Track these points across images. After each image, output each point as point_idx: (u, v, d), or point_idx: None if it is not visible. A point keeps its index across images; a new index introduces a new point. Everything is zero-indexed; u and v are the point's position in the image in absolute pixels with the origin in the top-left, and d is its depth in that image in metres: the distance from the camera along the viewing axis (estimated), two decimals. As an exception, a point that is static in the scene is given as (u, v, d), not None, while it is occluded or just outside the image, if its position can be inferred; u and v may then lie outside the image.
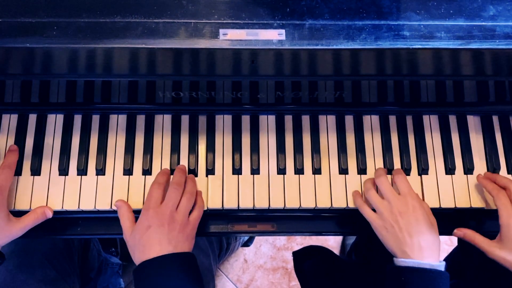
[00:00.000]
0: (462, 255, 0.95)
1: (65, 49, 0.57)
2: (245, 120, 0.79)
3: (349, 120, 0.80)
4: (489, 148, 0.79)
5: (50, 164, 0.75)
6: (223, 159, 0.77)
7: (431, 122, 0.81)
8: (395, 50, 0.59)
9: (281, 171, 0.76)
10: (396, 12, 0.59)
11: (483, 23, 0.59)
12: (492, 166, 0.78)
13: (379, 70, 0.67)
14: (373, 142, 0.79)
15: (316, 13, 0.59)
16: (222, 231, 0.77)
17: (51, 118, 0.78)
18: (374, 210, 0.72)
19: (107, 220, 0.75)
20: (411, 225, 0.67)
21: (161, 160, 0.77)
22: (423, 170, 0.77)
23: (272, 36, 0.57)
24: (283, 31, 0.58)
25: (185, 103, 0.78)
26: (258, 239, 1.50)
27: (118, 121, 0.78)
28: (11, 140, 0.76)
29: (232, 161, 0.77)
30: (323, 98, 0.78)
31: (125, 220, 0.71)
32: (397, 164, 0.78)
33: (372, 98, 0.79)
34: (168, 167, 0.76)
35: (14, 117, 0.78)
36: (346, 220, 0.78)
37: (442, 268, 0.65)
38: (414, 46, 0.58)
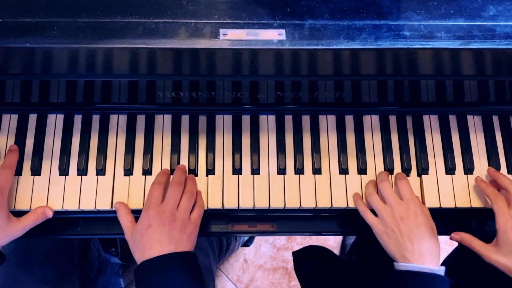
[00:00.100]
0: (462, 255, 0.95)
1: (65, 49, 0.57)
2: (245, 120, 0.79)
3: (349, 120, 0.80)
4: (489, 148, 0.79)
5: (50, 164, 0.75)
6: (223, 159, 0.77)
7: (431, 122, 0.81)
8: (395, 50, 0.59)
9: (281, 171, 0.76)
10: (396, 12, 0.59)
11: (483, 23, 0.59)
12: (492, 166, 0.78)
13: (379, 70, 0.67)
14: (373, 142, 0.79)
15: (316, 13, 0.59)
16: (222, 231, 0.77)
17: (51, 118, 0.78)
18: (374, 213, 0.72)
19: (107, 220, 0.75)
20: (412, 231, 0.67)
21: (161, 160, 0.77)
22: (423, 170, 0.77)
23: (272, 36, 0.57)
24: (283, 31, 0.58)
25: (185, 103, 0.78)
26: (258, 239, 1.50)
27: (118, 121, 0.78)
28: (11, 140, 0.76)
29: (232, 161, 0.77)
30: (323, 98, 0.78)
31: (125, 221, 0.71)
32: (397, 164, 0.78)
33: (372, 98, 0.79)
34: (168, 167, 0.76)
35: (14, 117, 0.78)
36: (346, 220, 0.78)
37: (442, 273, 0.66)
38: (414, 46, 0.58)
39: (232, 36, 0.57)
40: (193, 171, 0.76)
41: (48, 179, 0.75)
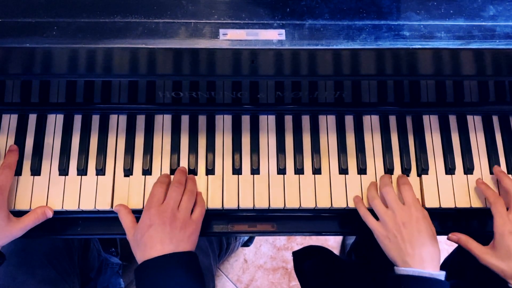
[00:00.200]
0: (462, 256, 0.95)
1: (65, 49, 0.57)
2: (245, 120, 0.79)
3: (349, 120, 0.80)
4: (489, 148, 0.79)
5: (50, 164, 0.75)
6: (223, 159, 0.77)
7: (431, 122, 0.81)
8: (395, 50, 0.59)
9: (281, 171, 0.76)
10: (396, 12, 0.59)
11: (483, 23, 0.59)
12: (493, 166, 0.78)
13: (379, 70, 0.67)
14: (373, 142, 0.79)
15: (316, 13, 0.59)
16: (222, 231, 0.77)
17: (51, 118, 0.78)
18: (375, 216, 0.72)
19: (107, 220, 0.75)
20: (413, 236, 0.68)
21: (161, 160, 0.77)
22: (423, 170, 0.77)
23: (272, 36, 0.57)
24: (283, 31, 0.58)
25: (185, 103, 0.78)
26: (258, 239, 1.50)
27: (118, 121, 0.78)
28: (11, 140, 0.76)
29: (232, 161, 0.77)
30: (323, 98, 0.78)
31: (127, 221, 0.71)
32: (397, 164, 0.78)
33: (372, 98, 0.79)
34: (168, 167, 0.76)
35: (14, 117, 0.78)
36: (346, 220, 0.78)
37: (442, 278, 0.66)
38: (414, 46, 0.58)
39: (232, 36, 0.57)
40: (193, 171, 0.76)
41: (48, 179, 0.75)
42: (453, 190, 0.76)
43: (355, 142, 0.79)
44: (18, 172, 0.75)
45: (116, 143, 0.77)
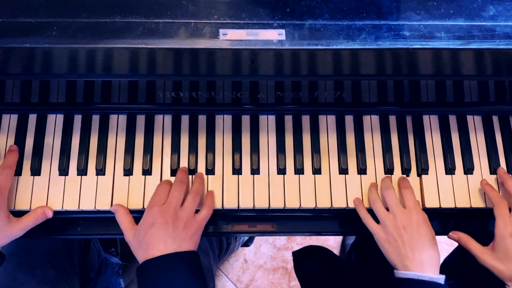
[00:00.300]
0: (462, 256, 0.95)
1: (65, 49, 0.57)
2: (245, 120, 0.79)
3: (349, 120, 0.80)
4: (489, 148, 0.79)
5: (50, 164, 0.75)
6: (223, 159, 0.77)
7: (431, 122, 0.81)
8: (395, 50, 0.59)
9: (281, 171, 0.76)
10: (396, 12, 0.59)
11: (483, 23, 0.59)
12: (493, 166, 0.78)
13: (379, 70, 0.67)
14: (373, 142, 0.79)
15: (316, 13, 0.59)
16: (222, 231, 0.77)
17: (51, 118, 0.78)
18: (375, 218, 0.73)
19: (107, 220, 0.75)
20: (414, 240, 0.68)
21: (161, 160, 0.77)
22: (423, 170, 0.77)
23: (272, 36, 0.57)
24: (283, 31, 0.58)
25: (185, 103, 0.78)
26: (258, 239, 1.50)
27: (118, 121, 0.78)
28: (11, 140, 0.76)
29: (232, 161, 0.77)
30: (323, 98, 0.78)
31: (125, 222, 0.71)
32: (397, 164, 0.78)
33: (372, 98, 0.79)
34: (168, 167, 0.76)
35: (14, 117, 0.78)
36: (346, 220, 0.78)
37: (442, 281, 0.66)
38: (414, 46, 0.58)
39: (232, 36, 0.57)
40: (193, 171, 0.76)
41: (48, 179, 0.75)
42: (453, 190, 0.76)
43: (355, 142, 0.79)
44: (18, 172, 0.75)
45: (116, 143, 0.77)
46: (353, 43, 0.57)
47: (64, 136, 0.77)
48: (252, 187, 0.75)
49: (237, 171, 0.76)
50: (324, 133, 0.79)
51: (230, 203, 0.74)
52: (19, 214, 0.71)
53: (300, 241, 1.52)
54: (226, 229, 0.77)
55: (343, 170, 0.77)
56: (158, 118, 0.79)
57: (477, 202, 0.76)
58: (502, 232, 0.69)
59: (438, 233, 0.76)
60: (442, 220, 0.78)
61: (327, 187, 0.76)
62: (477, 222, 0.79)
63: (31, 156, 0.75)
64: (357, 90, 0.78)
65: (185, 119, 0.79)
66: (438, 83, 0.79)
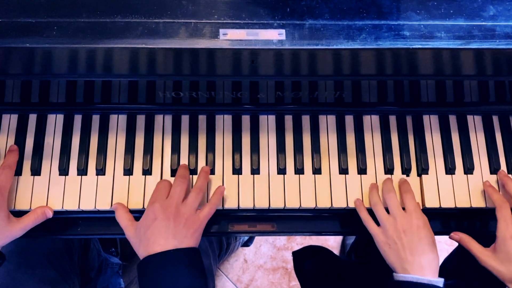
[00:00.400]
0: (462, 256, 0.95)
1: (65, 49, 0.57)
2: (245, 120, 0.79)
3: (349, 120, 0.80)
4: (489, 148, 0.79)
5: (50, 164, 0.75)
6: (223, 159, 0.77)
7: (431, 122, 0.81)
8: (395, 50, 0.59)
9: (281, 171, 0.76)
10: (396, 12, 0.59)
11: (483, 23, 0.59)
12: (493, 166, 0.78)
13: (379, 70, 0.67)
14: (373, 142, 0.79)
15: (316, 13, 0.59)
16: (222, 231, 0.77)
17: (51, 118, 0.78)
18: (375, 219, 0.73)
19: (107, 220, 0.75)
20: (414, 244, 0.68)
21: (161, 160, 0.77)
22: (423, 170, 0.77)
23: (272, 36, 0.57)
24: (283, 31, 0.58)
25: (185, 103, 0.78)
26: (258, 239, 1.50)
27: (118, 121, 0.78)
28: (11, 140, 0.76)
29: (232, 161, 0.77)
30: (323, 98, 0.78)
31: (125, 220, 0.71)
32: (397, 164, 0.78)
33: (372, 98, 0.79)
34: (169, 167, 0.76)
35: (14, 117, 0.78)
36: (346, 220, 0.78)
37: (441, 285, 0.67)
38: (414, 46, 0.58)
39: (232, 36, 0.57)
40: (193, 171, 0.76)
41: (48, 179, 0.75)
42: (453, 190, 0.76)
43: (355, 142, 0.79)
44: (18, 172, 0.75)
45: (116, 143, 0.77)
46: (353, 43, 0.57)
47: (64, 136, 0.77)
48: (252, 187, 0.75)
49: (237, 171, 0.76)
50: (324, 133, 0.79)
51: (230, 203, 0.74)
52: (19, 214, 0.71)
53: (300, 241, 1.52)
54: (226, 229, 0.77)
55: (343, 170, 0.77)
56: (158, 118, 0.79)
57: (477, 202, 0.76)
58: (504, 234, 0.69)
59: (439, 233, 0.76)
60: (443, 220, 0.78)
61: (327, 187, 0.76)
62: (478, 222, 0.79)
63: (31, 156, 0.75)
64: (357, 90, 0.78)
65: (185, 119, 0.79)
66: (438, 83, 0.79)
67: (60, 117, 0.78)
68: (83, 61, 0.62)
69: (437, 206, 0.75)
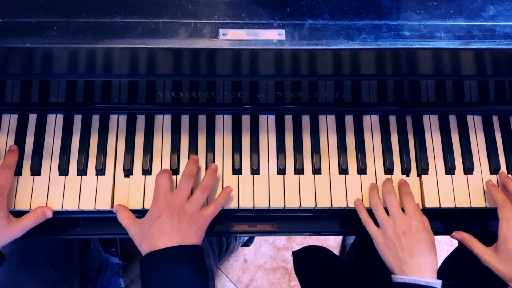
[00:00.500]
0: (462, 256, 0.95)
1: (65, 49, 0.57)
2: (245, 120, 0.79)
3: (349, 120, 0.80)
4: (489, 148, 0.79)
5: (50, 164, 0.75)
6: (223, 159, 0.77)
7: (431, 122, 0.81)
8: (395, 50, 0.59)
9: (281, 171, 0.76)
10: (396, 12, 0.59)
11: (483, 23, 0.59)
12: (493, 166, 0.78)
13: (379, 70, 0.67)
14: (373, 142, 0.79)
15: (316, 13, 0.59)
16: (222, 231, 0.77)
17: (51, 118, 0.78)
18: (374, 219, 0.73)
19: (107, 220, 0.75)
20: (413, 246, 0.68)
21: (161, 160, 0.77)
22: (423, 170, 0.77)
23: (272, 36, 0.57)
24: (283, 31, 0.58)
25: (185, 103, 0.78)
26: (258, 239, 1.50)
27: (118, 121, 0.78)
28: (11, 140, 0.76)
29: (232, 161, 0.77)
30: (323, 98, 0.78)
31: (126, 219, 0.71)
32: (397, 164, 0.78)
33: (372, 98, 0.79)
34: (168, 167, 0.76)
35: (14, 117, 0.78)
36: (346, 220, 0.78)
37: (439, 286, 0.67)
38: (414, 46, 0.58)
39: (232, 36, 0.57)
40: (193, 171, 0.76)
41: (48, 179, 0.75)
42: (453, 190, 0.76)
43: (355, 142, 0.79)
44: (18, 172, 0.75)
45: (116, 143, 0.77)
46: (353, 43, 0.57)
47: (64, 136, 0.77)
48: (252, 187, 0.75)
49: (237, 171, 0.76)
50: (324, 133, 0.79)
51: (230, 203, 0.74)
52: (19, 214, 0.71)
53: (300, 241, 1.52)
54: (226, 229, 0.77)
55: (343, 170, 0.77)
56: (158, 118, 0.79)
57: (477, 202, 0.76)
58: (505, 233, 0.69)
59: (439, 233, 0.76)
60: (443, 220, 0.78)
61: (327, 187, 0.76)
62: (478, 222, 0.79)
63: (31, 156, 0.75)
64: (357, 90, 0.78)
65: (185, 119, 0.79)
66: (438, 83, 0.79)
67: (60, 117, 0.78)
68: (83, 61, 0.62)
69: (437, 206, 0.75)
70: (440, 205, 0.75)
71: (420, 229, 0.69)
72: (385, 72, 0.68)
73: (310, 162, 0.77)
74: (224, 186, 0.75)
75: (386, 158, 0.78)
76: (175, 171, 0.76)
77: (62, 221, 0.76)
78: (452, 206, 0.76)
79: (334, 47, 0.57)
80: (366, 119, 0.80)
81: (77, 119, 0.78)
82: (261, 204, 0.74)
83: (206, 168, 0.76)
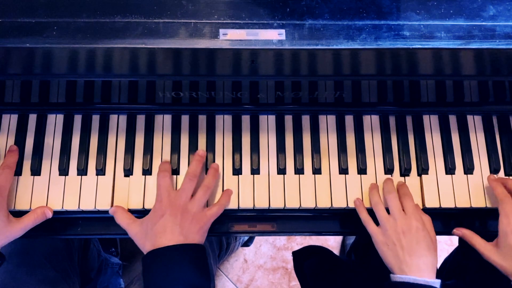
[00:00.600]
0: (462, 256, 0.95)
1: (65, 49, 0.57)
2: (245, 120, 0.79)
3: (349, 120, 0.80)
4: (489, 148, 0.79)
5: (50, 164, 0.75)
6: (223, 159, 0.77)
7: (431, 122, 0.81)
8: (395, 50, 0.59)
9: (281, 171, 0.76)
10: (396, 12, 0.59)
11: (483, 23, 0.59)
12: (493, 166, 0.78)
13: (379, 70, 0.67)
14: (373, 142, 0.79)
15: (316, 13, 0.59)
16: (222, 231, 0.77)
17: (51, 118, 0.78)
18: (374, 219, 0.73)
19: (107, 220, 0.75)
20: (412, 245, 0.68)
21: (161, 160, 0.76)
22: (423, 170, 0.77)
23: (272, 36, 0.57)
24: (283, 31, 0.58)
25: (185, 103, 0.78)
26: (258, 239, 1.50)
27: (118, 121, 0.78)
28: (11, 140, 0.76)
29: (232, 161, 0.77)
30: (323, 98, 0.78)
31: (124, 219, 0.71)
32: (397, 164, 0.78)
33: (372, 98, 0.79)
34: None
35: (14, 117, 0.78)
36: (346, 220, 0.78)
37: (437, 285, 0.67)
38: (414, 46, 0.58)
39: (232, 36, 0.57)
40: (193, 171, 0.76)
41: (48, 179, 0.74)
42: (453, 190, 0.76)
43: (355, 142, 0.79)
44: (18, 172, 0.75)
45: (116, 143, 0.77)
46: (353, 43, 0.57)
47: (64, 136, 0.77)
48: (252, 187, 0.75)
49: (237, 171, 0.76)
50: (324, 133, 0.79)
51: (230, 203, 0.74)
52: (19, 214, 0.71)
53: (300, 241, 1.52)
54: (226, 229, 0.77)
55: (343, 170, 0.77)
56: (158, 118, 0.79)
57: (478, 202, 0.76)
58: (506, 228, 0.69)
59: (439, 233, 0.76)
60: (443, 220, 0.78)
61: (327, 187, 0.76)
62: (478, 222, 0.79)
63: (31, 156, 0.75)
64: (357, 90, 0.78)
65: (185, 119, 0.79)
66: (438, 83, 0.79)
67: (60, 117, 0.78)
68: (83, 61, 0.62)
69: (437, 206, 0.75)
70: (440, 205, 0.75)
71: (420, 229, 0.69)
72: (385, 72, 0.68)
73: (310, 162, 0.77)
74: (224, 186, 0.75)
75: (386, 158, 0.78)
76: (175, 171, 0.76)
77: (62, 221, 0.76)
78: (452, 206, 0.76)
79: (334, 47, 0.57)
80: (366, 119, 0.80)
81: (77, 119, 0.78)
82: (261, 204, 0.74)
83: (207, 168, 0.76)
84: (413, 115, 0.81)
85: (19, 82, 0.75)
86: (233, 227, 0.77)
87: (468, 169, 0.78)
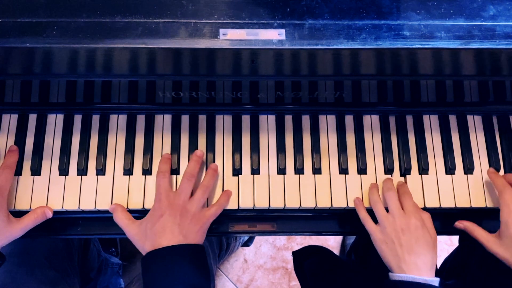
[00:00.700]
0: (462, 255, 0.95)
1: (65, 49, 0.57)
2: (245, 120, 0.79)
3: (349, 120, 0.80)
4: (489, 148, 0.79)
5: (50, 164, 0.75)
6: (223, 159, 0.77)
7: (431, 122, 0.81)
8: (395, 50, 0.59)
9: (281, 171, 0.76)
10: (396, 12, 0.59)
11: (483, 23, 0.59)
12: (493, 166, 0.78)
13: (379, 70, 0.67)
14: (373, 142, 0.79)
15: (316, 13, 0.59)
16: (222, 231, 0.77)
17: (51, 118, 0.78)
18: (373, 218, 0.73)
19: (107, 220, 0.75)
20: (411, 244, 0.68)
21: (161, 160, 0.77)
22: (423, 170, 0.77)
23: (272, 36, 0.57)
24: (283, 31, 0.58)
25: (185, 103, 0.78)
26: (258, 239, 1.50)
27: (118, 121, 0.78)
28: (11, 140, 0.76)
29: (232, 161, 0.77)
30: (323, 98, 0.78)
31: (123, 219, 0.71)
32: (397, 164, 0.78)
33: (372, 98, 0.79)
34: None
35: (14, 117, 0.78)
36: (346, 220, 0.78)
37: (436, 284, 0.67)
38: (414, 46, 0.58)
39: (232, 36, 0.57)
40: (193, 171, 0.76)
41: (48, 179, 0.74)
42: (453, 190, 0.76)
43: (355, 142, 0.79)
44: (18, 172, 0.75)
45: (116, 143, 0.77)
46: (353, 43, 0.57)
47: (64, 136, 0.77)
48: (252, 187, 0.75)
49: (237, 171, 0.76)
50: (324, 133, 0.79)
51: (230, 203, 0.74)
52: (19, 214, 0.71)
53: (300, 241, 1.52)
54: (226, 229, 0.77)
55: (343, 170, 0.77)
56: (158, 118, 0.79)
57: (478, 202, 0.76)
58: (506, 219, 0.69)
59: (439, 233, 0.75)
60: (443, 220, 0.78)
61: (327, 187, 0.76)
62: (478, 222, 0.79)
63: (31, 156, 0.75)
64: (357, 90, 0.78)
65: (185, 119, 0.79)
66: (438, 83, 0.79)
67: (60, 117, 0.78)
68: (83, 61, 0.62)
69: (437, 206, 0.75)
70: (440, 205, 0.75)
71: (419, 227, 0.69)
72: (385, 72, 0.68)
73: (310, 162, 0.77)
74: (224, 186, 0.75)
75: (386, 158, 0.78)
76: (175, 171, 0.76)
77: (62, 221, 0.76)
78: (452, 206, 0.76)
79: (334, 47, 0.57)
80: (366, 119, 0.80)
81: (77, 119, 0.78)
82: (261, 204, 0.74)
83: (206, 167, 0.76)
84: (413, 115, 0.81)
85: (19, 82, 0.75)
86: (233, 227, 0.77)
87: (468, 169, 0.78)
